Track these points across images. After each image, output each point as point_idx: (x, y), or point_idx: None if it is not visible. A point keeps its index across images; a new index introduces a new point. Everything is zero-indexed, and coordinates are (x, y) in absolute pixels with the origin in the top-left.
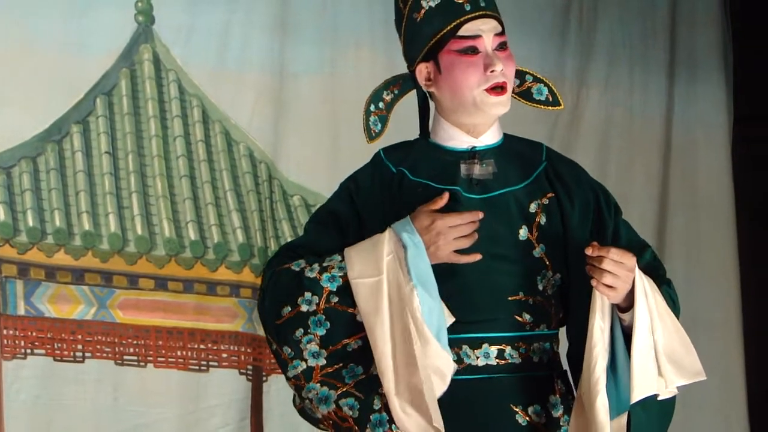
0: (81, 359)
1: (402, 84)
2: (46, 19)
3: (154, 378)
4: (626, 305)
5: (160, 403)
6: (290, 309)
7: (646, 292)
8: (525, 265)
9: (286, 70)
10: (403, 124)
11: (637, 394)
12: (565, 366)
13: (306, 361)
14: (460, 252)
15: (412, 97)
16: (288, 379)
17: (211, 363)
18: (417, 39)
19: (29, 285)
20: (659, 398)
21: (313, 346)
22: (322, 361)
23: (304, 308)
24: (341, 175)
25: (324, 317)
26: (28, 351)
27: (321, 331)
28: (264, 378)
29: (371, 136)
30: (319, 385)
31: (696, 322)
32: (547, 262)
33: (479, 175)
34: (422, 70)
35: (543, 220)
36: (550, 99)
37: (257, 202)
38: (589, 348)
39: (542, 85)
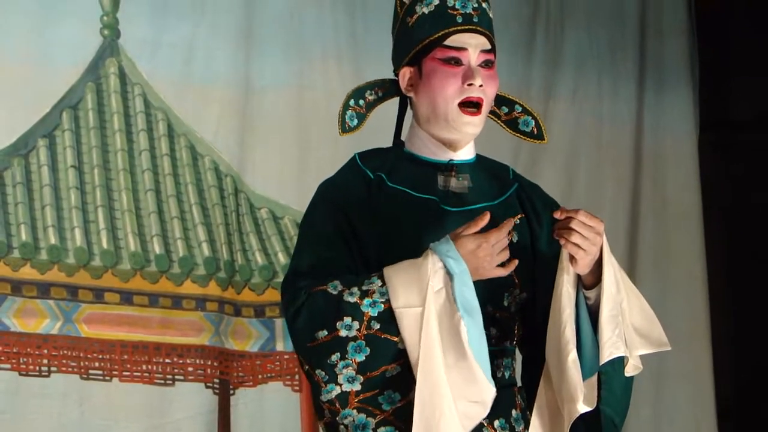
0: (47, 374)
1: (388, 88)
2: (12, 33)
3: (119, 392)
4: (591, 281)
5: (125, 417)
6: (327, 333)
7: (614, 265)
8: (495, 280)
9: (251, 83)
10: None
11: (607, 355)
12: (519, 383)
13: (341, 385)
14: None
15: (392, 104)
16: (322, 402)
17: (176, 377)
18: (406, 42)
19: None
20: (626, 374)
21: (350, 371)
22: (357, 387)
23: (343, 333)
24: (310, 187)
25: (364, 343)
26: None
27: (360, 357)
28: (231, 392)
29: (344, 129)
30: (355, 411)
31: (665, 332)
32: (516, 280)
33: (456, 187)
34: (405, 74)
35: (515, 238)
36: (535, 132)
37: (223, 216)
38: (558, 312)
39: (530, 117)
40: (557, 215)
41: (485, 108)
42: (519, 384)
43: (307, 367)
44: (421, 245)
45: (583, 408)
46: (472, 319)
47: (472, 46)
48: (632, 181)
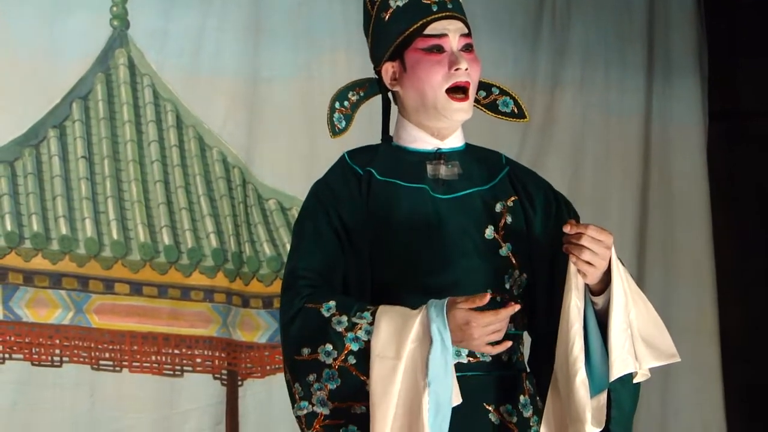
0: (59, 364)
1: (368, 87)
2: (22, 25)
3: (129, 383)
4: (599, 288)
5: (135, 408)
6: (309, 352)
7: (621, 273)
8: (492, 263)
9: (259, 74)
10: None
11: (617, 372)
12: (528, 369)
13: (313, 405)
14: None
15: (379, 101)
16: (295, 415)
17: (185, 368)
18: (384, 38)
19: (7, 290)
20: (634, 381)
21: (322, 395)
22: (327, 411)
23: (321, 358)
24: (317, 178)
25: (337, 374)
26: (6, 356)
27: (332, 385)
28: (239, 383)
29: (335, 131)
30: None
31: (673, 325)
32: (514, 261)
33: (445, 175)
34: (388, 69)
35: (509, 219)
36: (516, 111)
37: (231, 207)
38: (566, 328)
39: (508, 97)
40: (567, 229)
41: (472, 92)
42: (528, 369)
43: (288, 376)
44: (413, 234)
45: (591, 430)
46: (440, 386)
47: (452, 31)
48: (640, 172)
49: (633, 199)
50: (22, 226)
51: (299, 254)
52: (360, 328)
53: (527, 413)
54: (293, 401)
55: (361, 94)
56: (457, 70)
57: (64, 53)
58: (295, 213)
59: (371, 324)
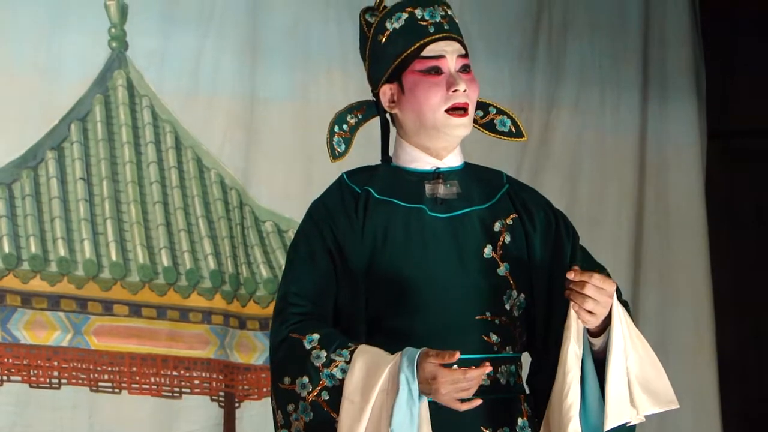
0: (57, 386)
1: (366, 109)
2: (20, 46)
3: (128, 405)
4: (598, 330)
5: (134, 430)
6: (289, 382)
7: (621, 317)
8: (490, 283)
9: (257, 96)
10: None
11: (612, 423)
12: (527, 390)
13: None
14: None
15: (377, 123)
16: None
17: (183, 390)
18: (381, 60)
19: (5, 311)
20: (628, 425)
21: (299, 426)
22: None
23: (298, 390)
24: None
25: (310, 408)
26: (4, 378)
27: (306, 418)
28: (237, 404)
29: (335, 155)
30: None
31: (669, 346)
32: (512, 282)
33: (444, 194)
34: (386, 92)
35: (507, 239)
36: (513, 130)
37: (228, 229)
38: (563, 373)
39: (505, 116)
40: (570, 276)
41: (471, 110)
42: (527, 391)
43: (273, 402)
44: (409, 253)
45: None
46: None
47: (449, 53)
48: (636, 192)
49: (629, 219)
50: (20, 248)
51: (292, 278)
52: (336, 366)
53: None
54: (276, 428)
55: (360, 116)
56: (455, 91)
57: (62, 75)
58: (291, 235)
59: (348, 363)
